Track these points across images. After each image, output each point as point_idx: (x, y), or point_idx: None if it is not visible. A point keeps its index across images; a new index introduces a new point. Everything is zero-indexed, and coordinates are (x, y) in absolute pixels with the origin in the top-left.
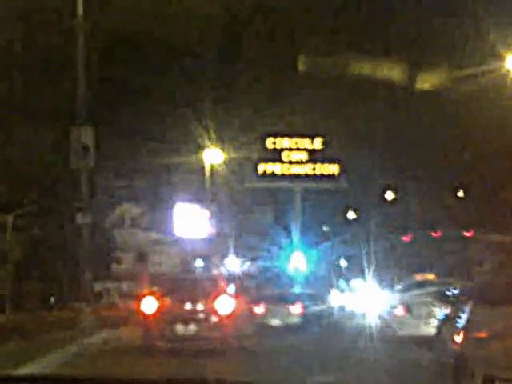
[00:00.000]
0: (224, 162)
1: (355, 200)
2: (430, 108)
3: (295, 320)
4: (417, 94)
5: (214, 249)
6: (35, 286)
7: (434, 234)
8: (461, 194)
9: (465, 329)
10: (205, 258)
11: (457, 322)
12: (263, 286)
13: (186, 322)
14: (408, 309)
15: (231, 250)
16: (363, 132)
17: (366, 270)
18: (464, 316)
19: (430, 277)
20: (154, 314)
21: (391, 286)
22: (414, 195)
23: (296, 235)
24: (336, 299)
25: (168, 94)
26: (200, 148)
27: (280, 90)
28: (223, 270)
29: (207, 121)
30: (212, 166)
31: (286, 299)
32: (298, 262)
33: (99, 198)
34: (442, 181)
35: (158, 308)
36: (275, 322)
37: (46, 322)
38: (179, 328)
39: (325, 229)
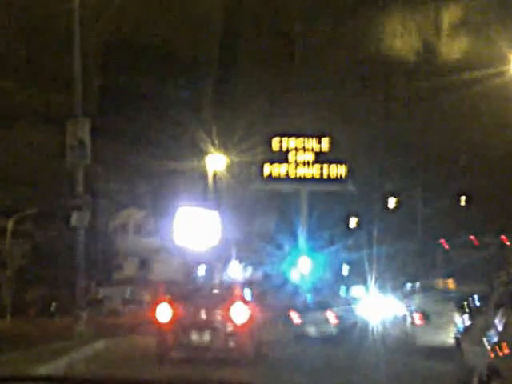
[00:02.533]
0: (227, 166)
1: (360, 204)
2: (432, 111)
3: (331, 330)
4: (420, 98)
5: (218, 255)
6: (36, 292)
7: (472, 240)
8: (463, 201)
9: (500, 341)
10: (208, 265)
11: (486, 333)
12: (267, 293)
13: (201, 330)
14: (425, 317)
15: (234, 255)
16: (367, 137)
17: (370, 277)
18: (497, 328)
19: (450, 285)
20: (168, 322)
21: (406, 292)
22: (422, 201)
23: (302, 239)
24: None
25: (169, 100)
26: (203, 153)
27: (282, 92)
28: (225, 277)
29: (211, 125)
30: (215, 172)
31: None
32: (304, 268)
33: (101, 202)
34: (448, 186)
35: (173, 316)
36: (312, 331)
37: (44, 329)
38: (194, 336)
39: (330, 233)
